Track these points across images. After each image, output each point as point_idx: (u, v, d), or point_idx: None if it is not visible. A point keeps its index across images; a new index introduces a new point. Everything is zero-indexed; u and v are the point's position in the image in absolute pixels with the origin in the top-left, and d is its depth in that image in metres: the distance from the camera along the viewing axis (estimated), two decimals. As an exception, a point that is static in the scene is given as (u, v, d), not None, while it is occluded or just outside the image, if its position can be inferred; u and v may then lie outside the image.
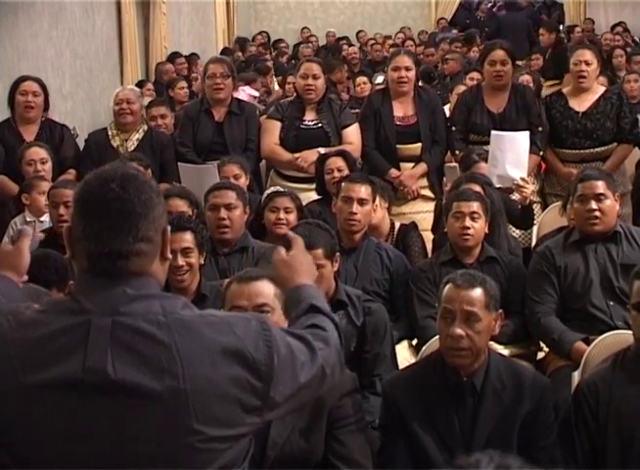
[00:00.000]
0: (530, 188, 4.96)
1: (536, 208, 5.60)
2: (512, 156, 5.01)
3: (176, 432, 1.71)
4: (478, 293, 2.92)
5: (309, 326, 1.99)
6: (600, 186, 4.00)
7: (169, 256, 1.86)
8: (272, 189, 4.76)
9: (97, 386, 1.69)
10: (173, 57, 9.73)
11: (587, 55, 5.68)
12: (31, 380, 1.70)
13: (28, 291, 2.97)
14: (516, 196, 4.96)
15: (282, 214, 4.47)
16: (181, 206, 4.35)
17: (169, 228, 1.85)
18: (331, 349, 1.97)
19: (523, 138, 5.14)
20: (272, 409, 1.83)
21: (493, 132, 5.22)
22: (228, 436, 1.77)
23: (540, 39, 10.74)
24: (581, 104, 5.69)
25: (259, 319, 1.87)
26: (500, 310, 3.01)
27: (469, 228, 4.04)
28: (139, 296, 1.75)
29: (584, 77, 5.65)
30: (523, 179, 4.91)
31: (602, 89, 5.83)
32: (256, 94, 8.91)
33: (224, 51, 11.05)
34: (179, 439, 1.72)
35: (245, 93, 9.18)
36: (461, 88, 7.02)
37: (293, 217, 4.44)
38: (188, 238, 3.66)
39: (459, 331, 2.87)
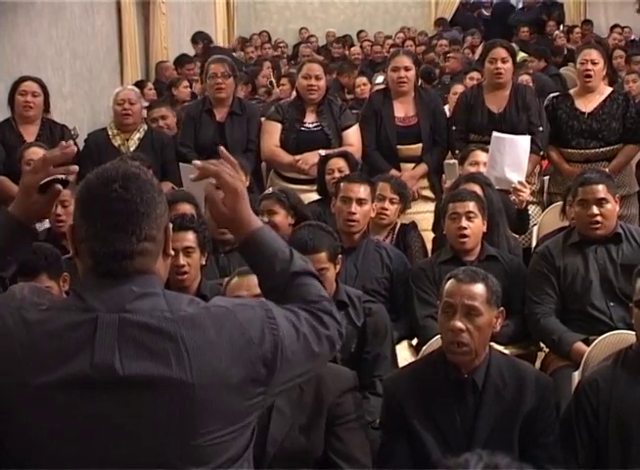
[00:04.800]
0: (527, 192, 4.94)
1: (537, 208, 5.61)
2: (511, 159, 5.00)
3: (182, 426, 1.72)
4: (479, 288, 2.93)
5: (307, 301, 1.94)
6: (601, 191, 3.98)
7: (171, 252, 1.88)
8: (270, 190, 4.74)
9: (104, 382, 1.69)
10: (182, 61, 9.52)
11: (594, 54, 5.68)
12: (40, 380, 1.70)
13: (30, 289, 2.98)
14: (513, 198, 4.95)
15: None
16: (189, 210, 4.30)
17: (171, 226, 1.87)
18: (333, 320, 1.95)
19: (523, 142, 5.13)
20: (274, 393, 1.87)
21: (494, 134, 5.20)
22: (233, 429, 1.78)
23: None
24: (587, 104, 5.68)
25: (264, 306, 1.87)
26: (501, 308, 3.01)
27: (465, 228, 4.03)
28: (145, 293, 1.77)
29: (590, 76, 5.65)
30: (520, 183, 4.90)
31: (609, 90, 5.83)
32: None
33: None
34: (184, 434, 1.72)
35: None
36: (459, 88, 7.00)
37: None
38: (190, 237, 3.66)
39: (459, 324, 2.87)
